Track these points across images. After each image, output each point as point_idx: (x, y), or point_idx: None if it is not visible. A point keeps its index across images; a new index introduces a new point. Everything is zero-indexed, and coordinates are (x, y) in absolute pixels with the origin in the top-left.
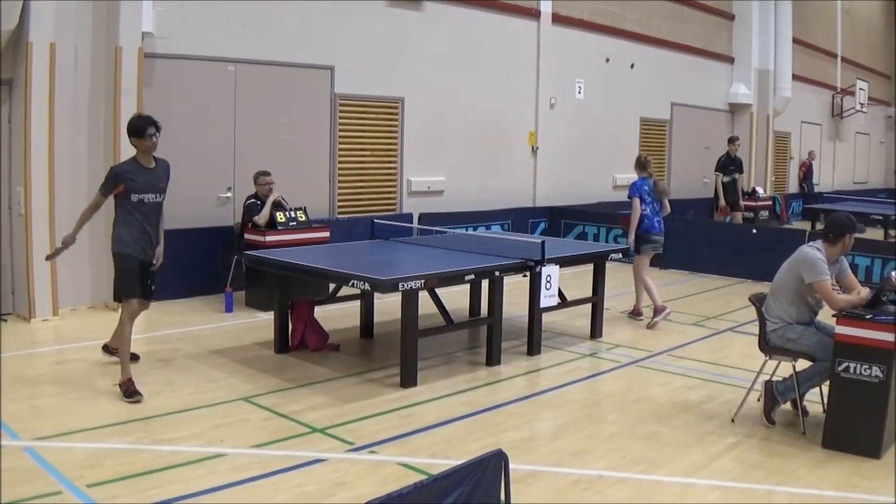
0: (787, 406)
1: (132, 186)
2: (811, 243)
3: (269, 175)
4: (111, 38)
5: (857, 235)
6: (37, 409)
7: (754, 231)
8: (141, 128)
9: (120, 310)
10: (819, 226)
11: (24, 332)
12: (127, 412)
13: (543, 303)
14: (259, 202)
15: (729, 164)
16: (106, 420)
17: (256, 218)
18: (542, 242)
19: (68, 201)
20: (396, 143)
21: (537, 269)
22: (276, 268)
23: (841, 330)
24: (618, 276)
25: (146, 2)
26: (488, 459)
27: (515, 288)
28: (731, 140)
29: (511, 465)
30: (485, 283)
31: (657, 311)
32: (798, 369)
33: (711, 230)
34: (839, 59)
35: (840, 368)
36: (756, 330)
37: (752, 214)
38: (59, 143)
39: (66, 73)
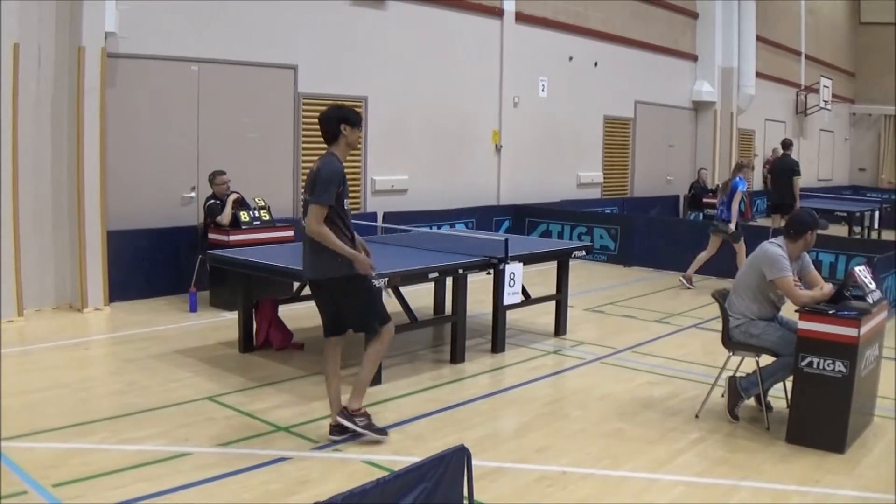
0: (751, 401)
1: (345, 190)
2: (772, 240)
3: (225, 174)
4: (74, 39)
5: (821, 232)
6: (2, 408)
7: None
8: (356, 118)
9: (328, 344)
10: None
11: None
12: (91, 412)
13: (507, 300)
14: (219, 202)
15: None
16: (70, 420)
17: (219, 218)
18: (506, 240)
19: (31, 201)
20: (360, 141)
21: (501, 267)
22: (240, 267)
23: (804, 325)
24: (581, 274)
25: (109, 2)
26: (450, 455)
27: (479, 286)
28: (792, 144)
29: (475, 462)
30: (449, 282)
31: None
32: (761, 365)
33: (674, 228)
34: (803, 56)
35: (803, 363)
36: (719, 326)
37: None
38: (23, 144)
39: (30, 73)
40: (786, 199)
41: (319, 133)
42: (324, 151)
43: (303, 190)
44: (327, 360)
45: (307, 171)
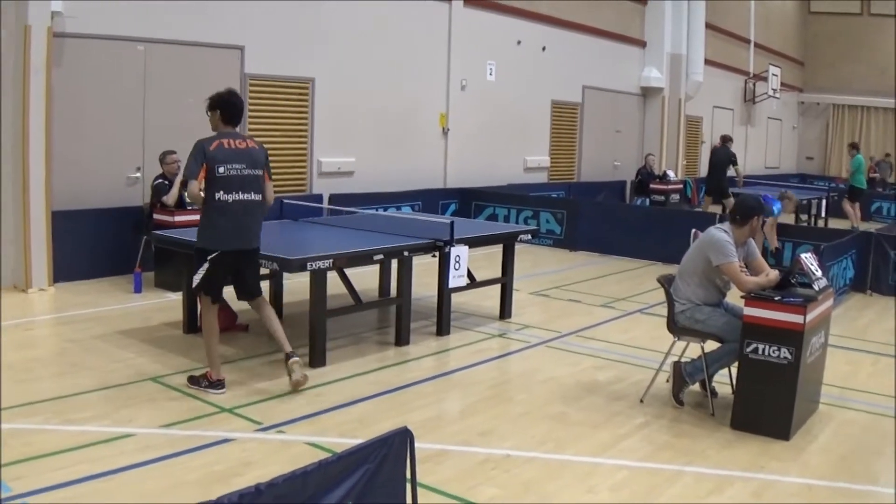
0: (696, 387)
1: None
2: (718, 225)
3: (175, 153)
4: (20, 18)
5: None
6: None
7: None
8: None
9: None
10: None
11: None
12: (33, 393)
13: (452, 283)
14: (167, 182)
15: None
16: (13, 400)
17: (165, 198)
18: (452, 223)
19: None
20: (307, 123)
21: (446, 250)
22: (185, 248)
23: (749, 311)
24: (527, 258)
25: None
26: (393, 437)
27: (425, 268)
28: (731, 139)
29: (419, 445)
30: (394, 264)
31: None
32: (706, 350)
33: (621, 213)
34: (752, 44)
35: (748, 350)
36: (665, 311)
37: (662, 198)
38: None
39: None
40: (719, 185)
41: (267, 114)
42: (269, 134)
43: (243, 165)
44: (218, 322)
45: None
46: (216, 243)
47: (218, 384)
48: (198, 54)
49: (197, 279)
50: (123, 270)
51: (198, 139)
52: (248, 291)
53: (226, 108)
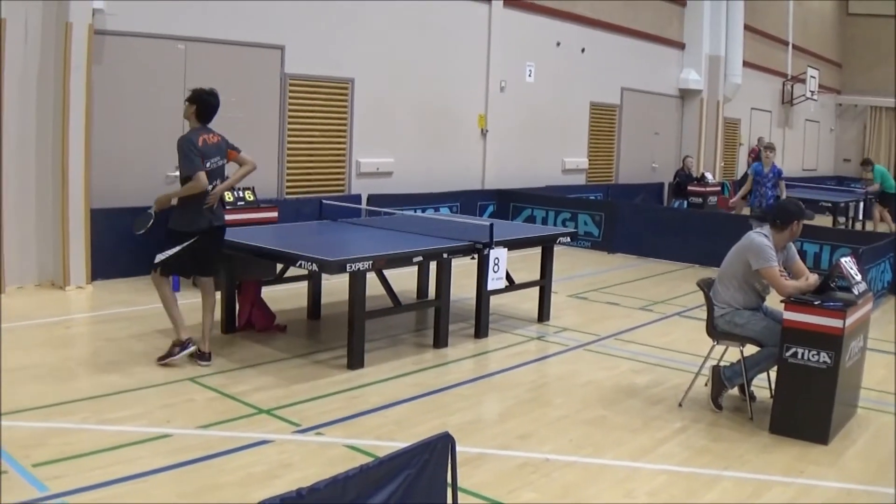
0: (735, 391)
1: None
2: (758, 229)
3: None
4: (61, 15)
5: (806, 222)
6: None
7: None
8: None
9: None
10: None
11: None
12: (71, 392)
13: (491, 285)
14: None
15: None
16: (51, 399)
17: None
18: (491, 225)
19: (15, 178)
20: (346, 123)
21: (485, 252)
22: (226, 248)
23: (789, 315)
24: (565, 260)
25: None
26: (435, 442)
27: (463, 270)
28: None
29: (457, 448)
30: (433, 266)
31: None
32: (745, 354)
33: (659, 215)
34: (790, 46)
35: (788, 354)
36: (703, 315)
37: (700, 200)
38: (8, 120)
39: (16, 49)
40: None
41: (306, 114)
42: (308, 134)
43: (218, 158)
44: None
45: (292, 152)
46: (199, 229)
47: (185, 344)
48: (238, 54)
49: (163, 257)
50: None
51: (180, 136)
52: (208, 270)
53: (202, 105)
